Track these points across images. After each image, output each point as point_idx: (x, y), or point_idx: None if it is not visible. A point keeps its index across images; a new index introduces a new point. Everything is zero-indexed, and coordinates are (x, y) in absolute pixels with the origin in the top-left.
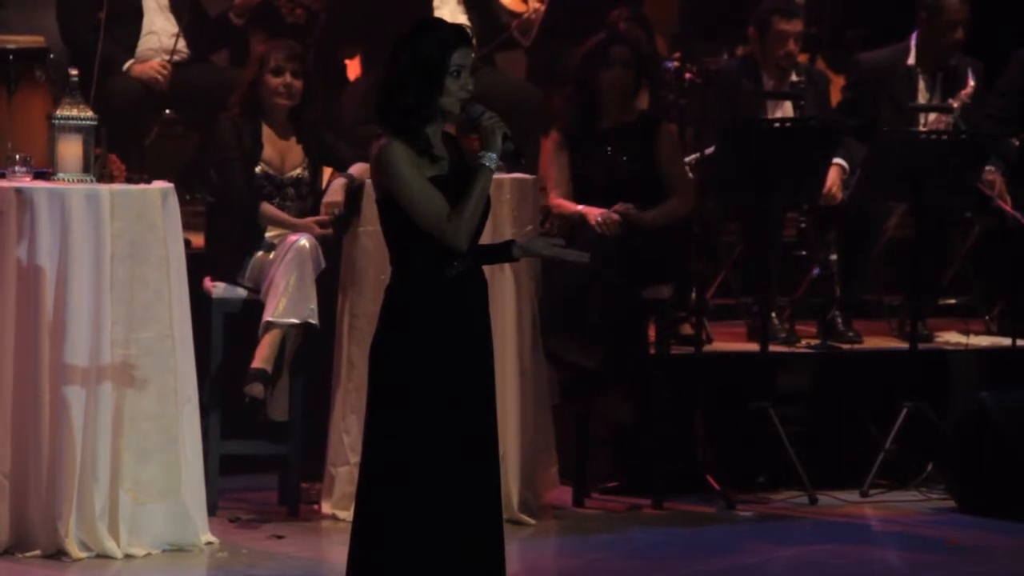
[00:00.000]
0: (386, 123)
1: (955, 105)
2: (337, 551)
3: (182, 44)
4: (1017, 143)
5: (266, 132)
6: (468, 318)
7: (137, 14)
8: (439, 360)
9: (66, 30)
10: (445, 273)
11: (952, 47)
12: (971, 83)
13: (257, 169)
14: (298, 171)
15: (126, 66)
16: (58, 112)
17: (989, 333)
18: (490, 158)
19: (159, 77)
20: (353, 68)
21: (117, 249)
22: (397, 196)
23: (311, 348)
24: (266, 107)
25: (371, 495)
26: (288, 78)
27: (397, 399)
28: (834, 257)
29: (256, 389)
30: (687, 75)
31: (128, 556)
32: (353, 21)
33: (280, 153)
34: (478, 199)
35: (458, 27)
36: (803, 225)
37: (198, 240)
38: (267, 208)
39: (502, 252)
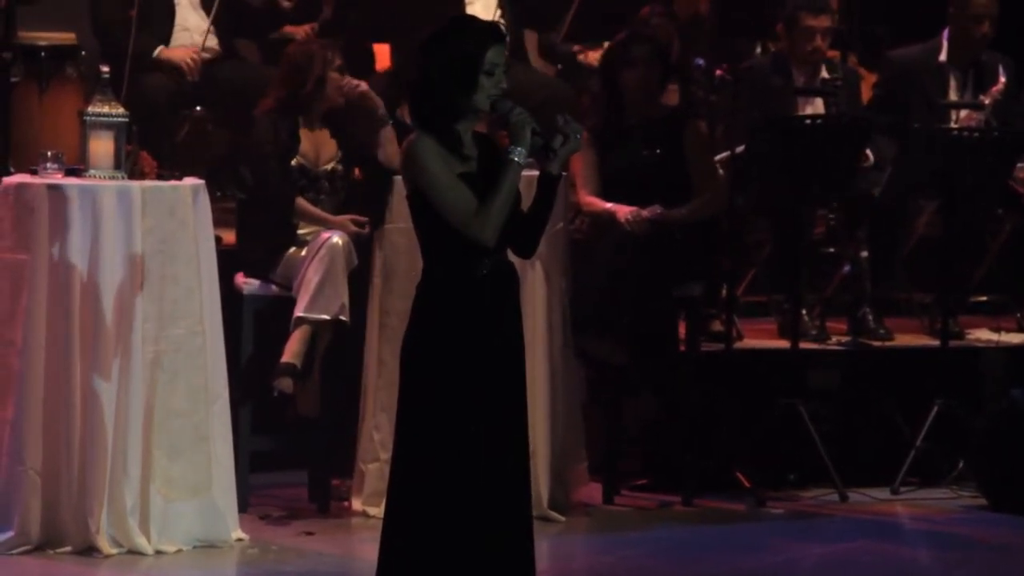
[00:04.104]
0: (417, 119)
1: (986, 102)
2: (367, 548)
3: (213, 41)
4: None
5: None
6: (499, 315)
7: (169, 10)
8: (470, 358)
9: (98, 27)
10: (475, 273)
11: (979, 41)
12: (1002, 79)
13: (292, 162)
14: (332, 164)
15: (156, 51)
16: (89, 109)
17: (1020, 330)
18: (519, 153)
19: (189, 62)
20: (381, 54)
21: (148, 246)
22: (425, 191)
23: (342, 345)
24: (316, 103)
25: (402, 492)
26: (347, 76)
27: (428, 396)
28: (865, 254)
29: (285, 383)
30: (717, 72)
31: (159, 552)
32: (384, 17)
33: (314, 146)
34: (507, 194)
35: (493, 24)
36: (833, 222)
37: (229, 237)
38: (303, 204)
39: (543, 184)
